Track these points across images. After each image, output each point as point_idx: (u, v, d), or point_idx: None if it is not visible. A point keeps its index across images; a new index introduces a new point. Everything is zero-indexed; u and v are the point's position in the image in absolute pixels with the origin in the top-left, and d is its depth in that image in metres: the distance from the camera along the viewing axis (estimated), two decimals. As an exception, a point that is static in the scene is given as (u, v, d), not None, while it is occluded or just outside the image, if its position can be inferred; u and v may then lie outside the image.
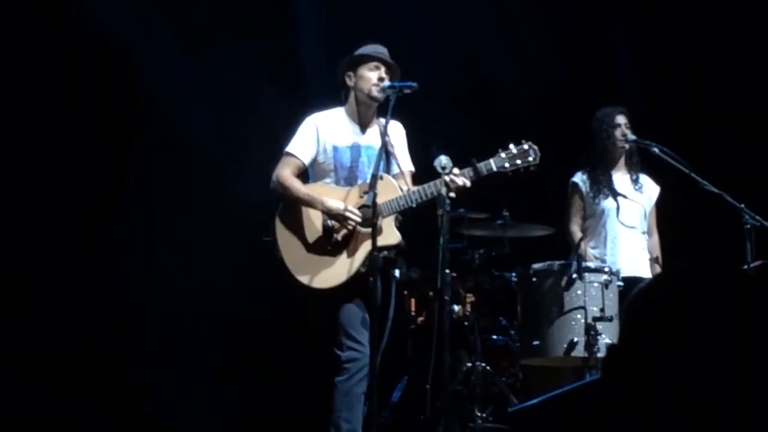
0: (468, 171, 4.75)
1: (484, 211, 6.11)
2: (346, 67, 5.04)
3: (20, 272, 6.26)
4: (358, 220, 4.79)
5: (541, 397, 2.24)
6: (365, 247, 4.74)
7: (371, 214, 4.55)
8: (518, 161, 4.84)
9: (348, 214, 4.79)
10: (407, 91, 4.79)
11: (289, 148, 4.99)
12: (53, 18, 6.40)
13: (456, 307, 6.22)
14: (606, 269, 5.54)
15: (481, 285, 6.22)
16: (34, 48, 6.27)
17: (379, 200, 4.57)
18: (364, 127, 5.04)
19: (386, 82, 4.91)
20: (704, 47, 7.17)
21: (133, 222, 6.62)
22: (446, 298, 4.62)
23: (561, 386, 2.50)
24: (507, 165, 4.83)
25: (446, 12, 7.37)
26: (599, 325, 5.33)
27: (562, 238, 6.01)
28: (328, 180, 4.97)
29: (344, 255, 4.83)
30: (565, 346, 5.36)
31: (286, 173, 4.93)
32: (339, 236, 4.84)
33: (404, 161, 5.05)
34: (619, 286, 5.53)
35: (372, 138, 4.99)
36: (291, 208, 4.92)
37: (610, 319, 5.35)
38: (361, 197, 4.79)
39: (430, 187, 4.73)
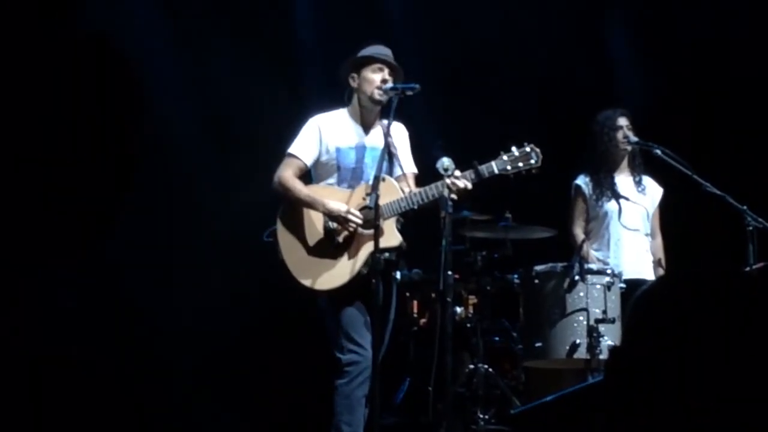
0: (469, 173, 4.73)
1: (487, 213, 6.10)
2: (349, 69, 5.02)
3: (21, 272, 6.27)
4: (359, 222, 4.77)
5: (544, 398, 2.24)
6: (366, 249, 4.73)
7: (372, 216, 4.53)
8: (520, 164, 4.82)
9: (349, 216, 4.77)
10: (409, 92, 4.77)
11: (291, 149, 4.96)
12: (53, 19, 6.40)
13: (458, 309, 6.23)
14: (608, 271, 5.54)
15: (484, 287, 6.22)
16: (35, 48, 6.28)
17: (381, 202, 4.55)
18: (367, 128, 5.01)
19: (388, 84, 4.90)
20: (705, 47, 7.16)
21: (133, 222, 6.62)
22: (448, 300, 4.61)
23: (563, 388, 2.49)
24: (509, 167, 4.80)
25: (446, 12, 7.37)
26: (602, 327, 5.32)
27: (564, 240, 6.00)
28: (331, 181, 4.94)
29: (345, 257, 4.81)
30: (568, 348, 5.36)
31: (287, 174, 4.91)
32: (340, 238, 4.82)
33: (407, 163, 5.02)
34: (621, 288, 5.52)
35: (376, 139, 4.95)
36: (292, 209, 4.90)
37: (613, 321, 5.34)
38: (363, 199, 4.75)
39: (432, 189, 4.71)
